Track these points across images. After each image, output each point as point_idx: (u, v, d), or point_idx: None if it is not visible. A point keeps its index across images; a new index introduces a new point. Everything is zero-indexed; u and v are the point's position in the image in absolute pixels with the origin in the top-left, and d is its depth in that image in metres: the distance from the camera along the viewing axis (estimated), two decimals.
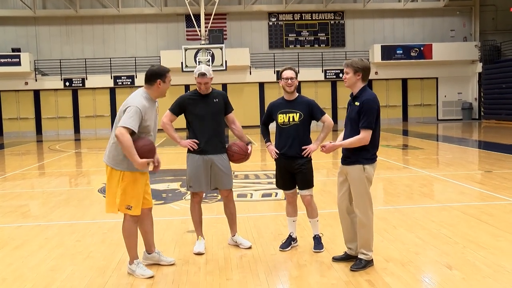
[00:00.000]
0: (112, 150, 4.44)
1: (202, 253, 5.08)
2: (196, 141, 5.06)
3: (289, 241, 5.20)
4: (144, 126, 4.38)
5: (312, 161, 5.09)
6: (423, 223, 6.07)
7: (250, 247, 5.21)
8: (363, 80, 4.52)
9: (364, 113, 4.39)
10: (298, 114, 4.96)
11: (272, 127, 5.21)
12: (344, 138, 4.59)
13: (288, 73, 5.00)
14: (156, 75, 4.44)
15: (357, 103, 4.47)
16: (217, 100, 5.14)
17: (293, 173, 5.05)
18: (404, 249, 5.05)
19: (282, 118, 5.00)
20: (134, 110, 4.26)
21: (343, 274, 4.40)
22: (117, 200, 4.41)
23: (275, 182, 5.35)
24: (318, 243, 5.09)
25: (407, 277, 4.29)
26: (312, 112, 5.01)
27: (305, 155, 4.96)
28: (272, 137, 5.19)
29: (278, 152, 5.02)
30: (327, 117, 5.09)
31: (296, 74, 5.04)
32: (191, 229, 5.89)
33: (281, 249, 5.13)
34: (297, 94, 5.08)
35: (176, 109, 5.13)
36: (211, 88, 5.17)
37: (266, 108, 5.28)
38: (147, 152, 4.32)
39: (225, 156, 5.18)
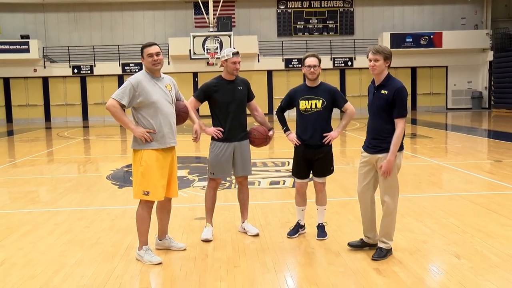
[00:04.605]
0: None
1: (210, 240, 5.10)
2: (221, 129, 5.08)
3: (297, 228, 5.20)
4: (148, 102, 4.41)
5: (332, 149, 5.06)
6: (431, 212, 6.05)
7: (257, 235, 5.22)
8: (388, 68, 4.41)
9: (397, 103, 4.30)
10: (321, 101, 4.91)
11: (288, 115, 5.11)
12: (369, 127, 4.51)
13: (311, 61, 4.92)
14: (141, 49, 4.53)
15: (384, 91, 4.34)
16: (241, 87, 5.16)
17: (312, 161, 5.01)
18: (412, 238, 5.04)
19: (304, 104, 4.93)
20: (125, 84, 4.42)
21: (350, 262, 4.40)
22: (135, 186, 4.48)
23: (291, 170, 5.32)
24: (322, 231, 5.09)
25: (415, 265, 4.28)
26: (334, 99, 4.95)
27: (326, 143, 4.93)
28: (290, 125, 5.14)
29: (299, 139, 4.99)
30: (350, 105, 5.04)
31: (319, 61, 4.96)
32: (199, 216, 5.92)
33: (288, 236, 5.14)
34: (320, 81, 5.03)
35: (201, 96, 5.12)
36: None
37: (286, 94, 5.14)
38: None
39: (247, 142, 5.23)
